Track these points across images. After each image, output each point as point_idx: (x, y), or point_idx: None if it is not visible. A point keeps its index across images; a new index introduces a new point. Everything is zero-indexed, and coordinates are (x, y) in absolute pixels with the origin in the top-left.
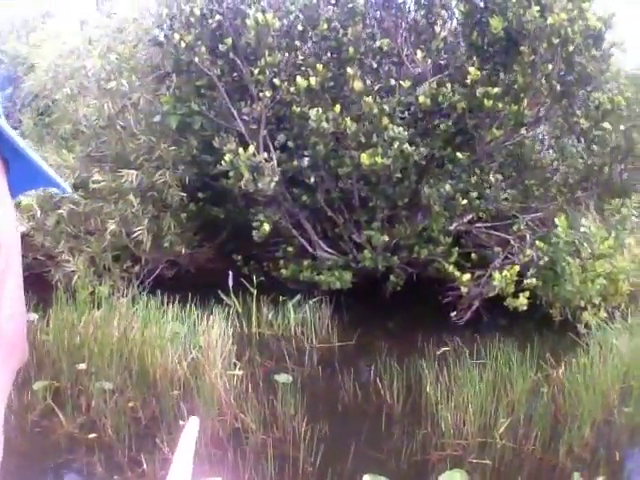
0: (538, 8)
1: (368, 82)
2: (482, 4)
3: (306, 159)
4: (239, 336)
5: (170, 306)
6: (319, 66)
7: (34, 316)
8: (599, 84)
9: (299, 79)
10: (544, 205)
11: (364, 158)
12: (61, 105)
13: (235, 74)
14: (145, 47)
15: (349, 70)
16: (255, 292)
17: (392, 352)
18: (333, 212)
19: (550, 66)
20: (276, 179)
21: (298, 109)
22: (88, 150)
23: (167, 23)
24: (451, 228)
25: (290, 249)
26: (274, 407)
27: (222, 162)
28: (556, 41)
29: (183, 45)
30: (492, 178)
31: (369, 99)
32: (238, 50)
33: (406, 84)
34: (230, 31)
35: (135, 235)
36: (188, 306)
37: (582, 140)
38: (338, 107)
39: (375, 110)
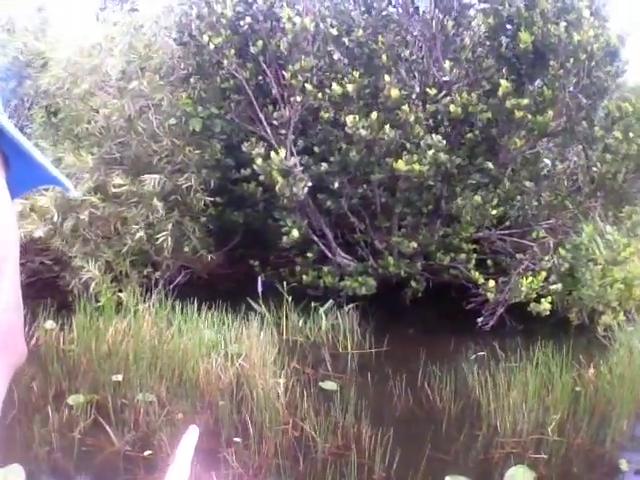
0: (565, 24)
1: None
2: (507, 17)
3: (332, 165)
4: (273, 343)
5: (198, 313)
6: (356, 73)
7: (52, 324)
8: (610, 95)
9: (335, 85)
10: (559, 213)
11: (401, 165)
12: (74, 104)
13: (260, 77)
14: (167, 47)
15: (386, 78)
16: (284, 298)
17: (429, 357)
18: (356, 218)
19: (574, 79)
20: (309, 184)
21: (327, 115)
22: (102, 152)
23: (195, 24)
24: (470, 235)
25: (310, 255)
26: (331, 415)
27: (246, 166)
28: (583, 56)
29: (212, 47)
30: (528, 185)
31: (406, 107)
32: (269, 54)
33: (432, 92)
34: (262, 34)
35: (159, 240)
36: (216, 313)
37: (594, 149)
38: (375, 114)
39: (412, 118)
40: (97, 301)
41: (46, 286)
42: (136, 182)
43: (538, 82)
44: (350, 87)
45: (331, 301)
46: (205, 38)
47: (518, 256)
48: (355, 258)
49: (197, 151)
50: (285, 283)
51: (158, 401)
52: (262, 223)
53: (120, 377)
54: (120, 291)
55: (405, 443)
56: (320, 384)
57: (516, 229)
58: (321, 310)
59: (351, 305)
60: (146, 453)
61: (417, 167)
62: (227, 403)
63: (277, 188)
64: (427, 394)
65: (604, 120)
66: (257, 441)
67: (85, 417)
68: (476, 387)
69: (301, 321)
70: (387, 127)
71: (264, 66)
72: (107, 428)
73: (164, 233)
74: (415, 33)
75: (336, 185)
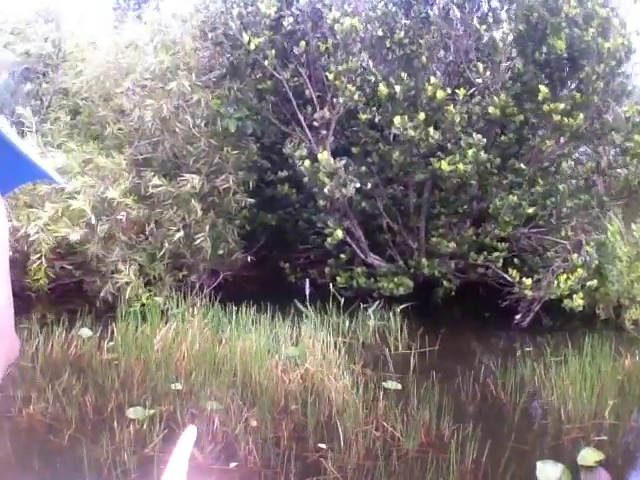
0: (594, 31)
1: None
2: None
3: (372, 165)
4: (335, 345)
5: (253, 317)
6: (403, 74)
7: (88, 332)
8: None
9: (381, 86)
10: (583, 212)
11: (444, 165)
12: (98, 104)
13: (298, 78)
14: (200, 45)
15: (432, 79)
16: (327, 300)
17: (480, 354)
18: (389, 219)
19: (602, 84)
20: (357, 185)
21: (365, 116)
22: (133, 152)
23: (236, 24)
24: (507, 234)
25: (343, 256)
26: (407, 414)
27: (282, 168)
28: (613, 63)
29: (252, 47)
30: (561, 187)
31: (451, 108)
32: (310, 54)
33: (466, 93)
34: (307, 34)
35: (198, 242)
36: (262, 316)
37: (607, 150)
38: (422, 115)
39: (458, 119)
40: (130, 306)
41: (68, 292)
42: (173, 183)
43: (568, 86)
44: (398, 88)
45: (378, 302)
46: (245, 38)
47: (549, 254)
48: (385, 259)
49: (234, 152)
50: (316, 284)
51: (229, 409)
52: (293, 225)
53: (179, 386)
54: (155, 295)
55: (485, 436)
56: (383, 384)
57: (543, 228)
58: (369, 311)
59: (404, 305)
60: (232, 465)
61: (461, 167)
62: (301, 407)
63: (326, 190)
64: (490, 389)
65: (625, 123)
66: (346, 444)
67: (156, 431)
68: (534, 380)
69: (347, 322)
70: (431, 128)
71: (304, 67)
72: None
73: (201, 235)
74: (450, 35)
75: (369, 186)
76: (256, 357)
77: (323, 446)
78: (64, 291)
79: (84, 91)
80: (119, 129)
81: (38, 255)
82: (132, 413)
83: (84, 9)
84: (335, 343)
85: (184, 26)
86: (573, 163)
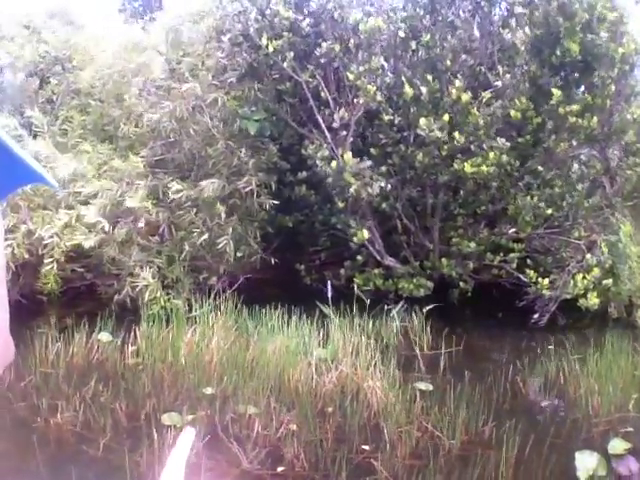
0: (605, 35)
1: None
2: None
3: (393, 167)
4: (368, 346)
5: (283, 319)
6: (429, 76)
7: (108, 336)
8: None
9: (406, 88)
10: (595, 212)
11: (467, 167)
12: (110, 104)
13: (315, 79)
14: (218, 45)
15: (457, 82)
16: (348, 302)
17: (505, 354)
18: (407, 220)
19: (614, 87)
20: (382, 185)
21: (387, 117)
22: (150, 154)
23: (254, 26)
24: (527, 235)
25: (359, 258)
26: (443, 413)
27: (301, 169)
28: (626, 67)
29: (271, 49)
30: (579, 187)
31: (475, 110)
32: (328, 56)
33: (486, 96)
34: (328, 35)
35: (220, 245)
36: (287, 318)
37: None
38: (447, 116)
39: (481, 121)
40: (149, 309)
41: (79, 295)
42: (193, 187)
43: (582, 89)
44: (424, 90)
45: (402, 303)
46: (264, 40)
47: (563, 254)
48: (400, 260)
49: (255, 154)
50: (331, 286)
51: (268, 412)
52: (309, 227)
53: (212, 390)
54: (174, 298)
55: (522, 431)
56: (415, 385)
57: (557, 228)
58: (393, 312)
59: (430, 307)
60: (280, 469)
61: (485, 169)
62: (339, 408)
63: (352, 190)
64: (519, 387)
65: (632, 125)
66: (390, 444)
67: (196, 437)
68: (560, 377)
69: (370, 323)
70: (457, 132)
71: (321, 68)
72: (230, 447)
73: (224, 238)
74: (473, 38)
75: (389, 187)
76: (287, 359)
77: (367, 447)
78: (76, 294)
79: (97, 92)
80: (133, 130)
81: (51, 259)
82: (167, 419)
83: (95, 9)
84: (367, 344)
85: (199, 25)
86: (582, 165)
